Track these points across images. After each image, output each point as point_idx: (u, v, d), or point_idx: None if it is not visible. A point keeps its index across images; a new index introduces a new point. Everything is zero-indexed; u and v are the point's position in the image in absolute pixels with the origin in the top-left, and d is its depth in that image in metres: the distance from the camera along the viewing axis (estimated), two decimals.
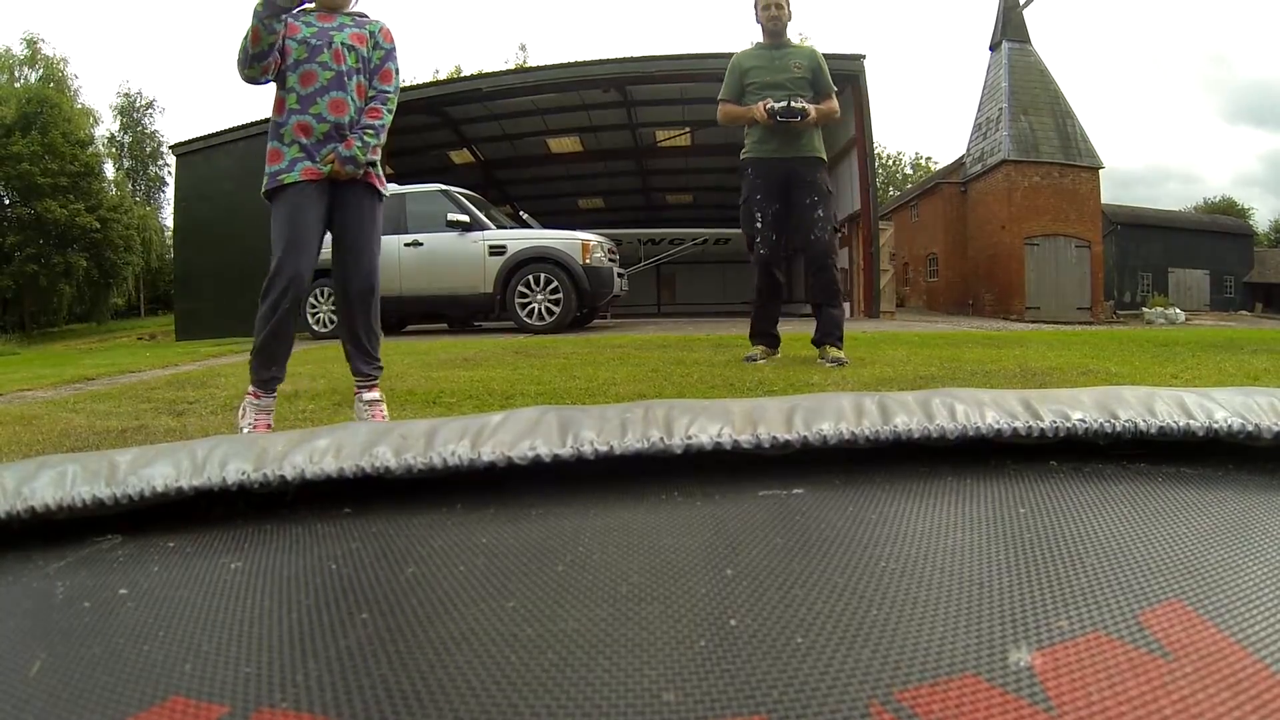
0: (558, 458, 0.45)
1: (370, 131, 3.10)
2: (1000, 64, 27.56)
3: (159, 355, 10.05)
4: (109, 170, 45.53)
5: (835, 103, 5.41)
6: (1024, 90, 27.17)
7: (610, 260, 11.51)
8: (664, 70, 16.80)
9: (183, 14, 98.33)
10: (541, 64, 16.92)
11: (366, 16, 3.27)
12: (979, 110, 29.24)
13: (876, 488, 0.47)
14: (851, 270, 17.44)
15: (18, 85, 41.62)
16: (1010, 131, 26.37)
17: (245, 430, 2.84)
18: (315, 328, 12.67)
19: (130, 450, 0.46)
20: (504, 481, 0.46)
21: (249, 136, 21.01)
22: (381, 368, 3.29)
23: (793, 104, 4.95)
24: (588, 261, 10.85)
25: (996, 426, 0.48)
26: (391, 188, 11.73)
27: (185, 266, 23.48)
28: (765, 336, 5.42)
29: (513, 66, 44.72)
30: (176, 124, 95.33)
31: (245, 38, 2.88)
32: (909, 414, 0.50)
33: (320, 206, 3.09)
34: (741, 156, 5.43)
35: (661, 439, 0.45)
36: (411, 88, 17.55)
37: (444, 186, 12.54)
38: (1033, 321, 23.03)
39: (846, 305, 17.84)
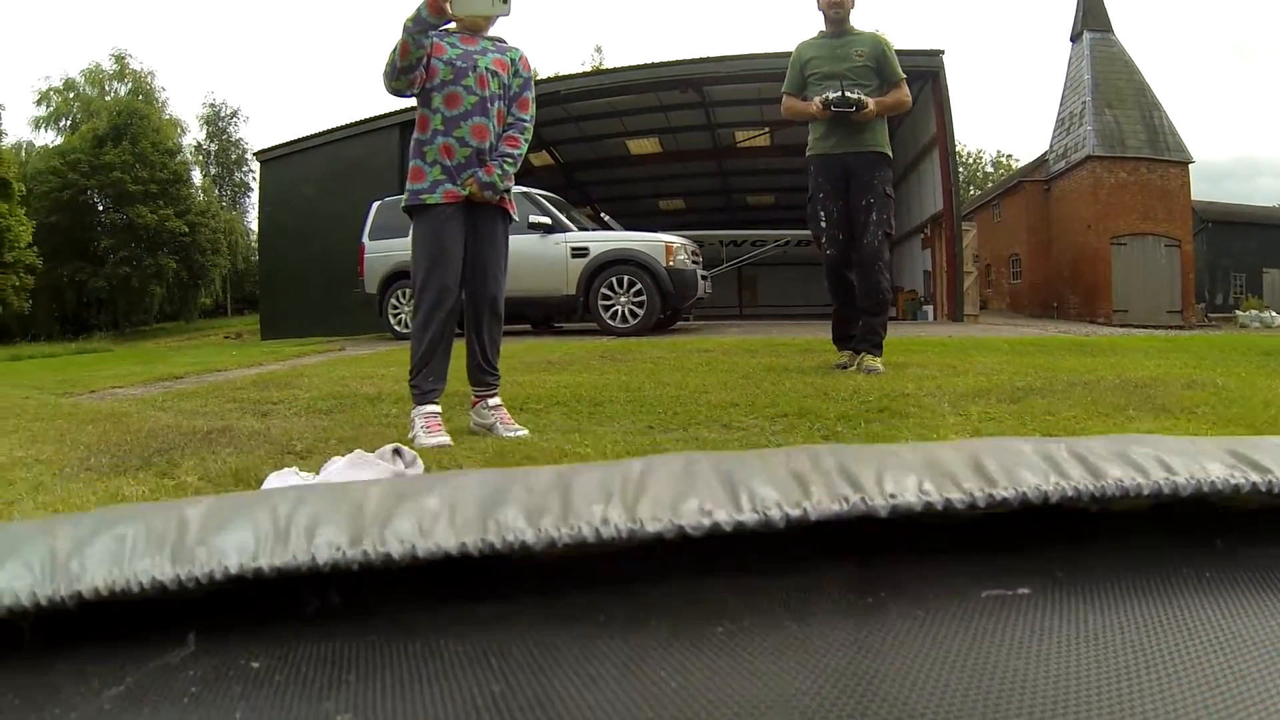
0: (740, 525, 0.32)
1: (509, 160, 3.23)
2: (1082, 55, 26.66)
3: (245, 354, 10.23)
4: (196, 177, 47.30)
5: (904, 91, 5.10)
6: (1108, 82, 26.23)
7: (694, 262, 11.37)
8: (741, 70, 16.61)
9: (263, 26, 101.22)
10: (619, 65, 16.86)
11: (505, 42, 3.41)
12: (1061, 105, 28.21)
13: (1128, 585, 0.33)
14: (934, 272, 17.07)
15: (108, 99, 43.57)
16: (1095, 126, 25.44)
17: (420, 437, 3.01)
18: (396, 328, 12.94)
19: (202, 501, 0.34)
20: (669, 558, 0.34)
21: (330, 143, 21.65)
22: (499, 376, 3.36)
23: (847, 94, 4.68)
24: (671, 263, 10.73)
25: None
26: None
27: (269, 268, 24.20)
28: (846, 340, 5.17)
29: (589, 69, 45.14)
30: (259, 132, 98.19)
31: (394, 51, 3.03)
32: (1117, 465, 0.37)
33: (459, 225, 3.19)
34: (806, 153, 5.21)
35: (863, 499, 0.32)
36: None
37: (525, 189, 12.63)
38: (1121, 325, 22.15)
39: (929, 308, 17.47)
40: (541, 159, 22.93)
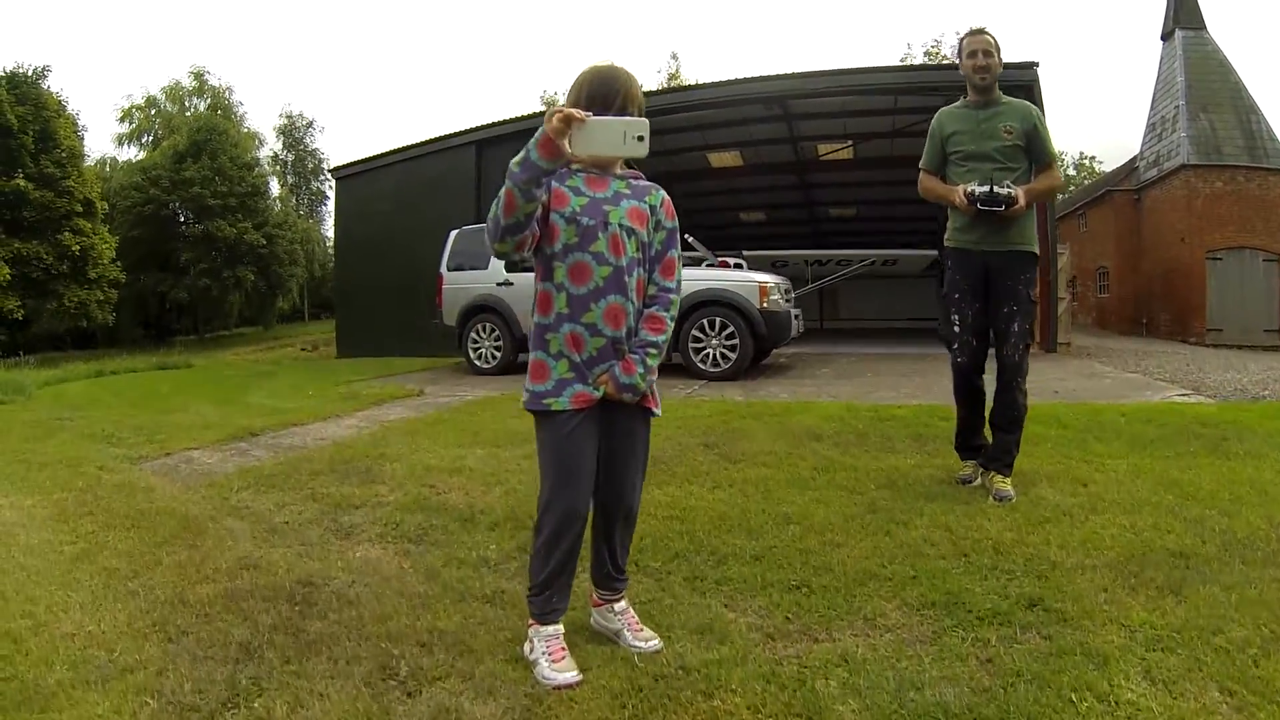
0: None
1: (653, 351, 2.64)
2: (1174, 55, 25.48)
3: (320, 396, 10.08)
4: (274, 188, 48.52)
5: (1056, 175, 4.63)
6: (1202, 84, 24.96)
7: (787, 300, 11.13)
8: (825, 87, 16.29)
9: (336, 37, 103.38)
10: (700, 82, 16.68)
11: (641, 178, 2.74)
12: (1152, 108, 26.90)
13: None
14: None
15: (188, 114, 44.93)
16: (1189, 132, 24.29)
17: (543, 668, 2.54)
18: (478, 363, 13.03)
19: None
20: None
21: (404, 160, 21.83)
22: (628, 579, 2.89)
23: (997, 189, 4.16)
24: (765, 305, 10.49)
25: None
26: None
27: (344, 283, 24.53)
28: (972, 450, 4.71)
29: (666, 77, 45.01)
30: (334, 142, 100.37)
31: (497, 203, 2.40)
32: None
33: (591, 432, 2.64)
34: (944, 242, 4.70)
35: None
36: None
37: None
38: (1214, 345, 21.16)
39: None
40: None
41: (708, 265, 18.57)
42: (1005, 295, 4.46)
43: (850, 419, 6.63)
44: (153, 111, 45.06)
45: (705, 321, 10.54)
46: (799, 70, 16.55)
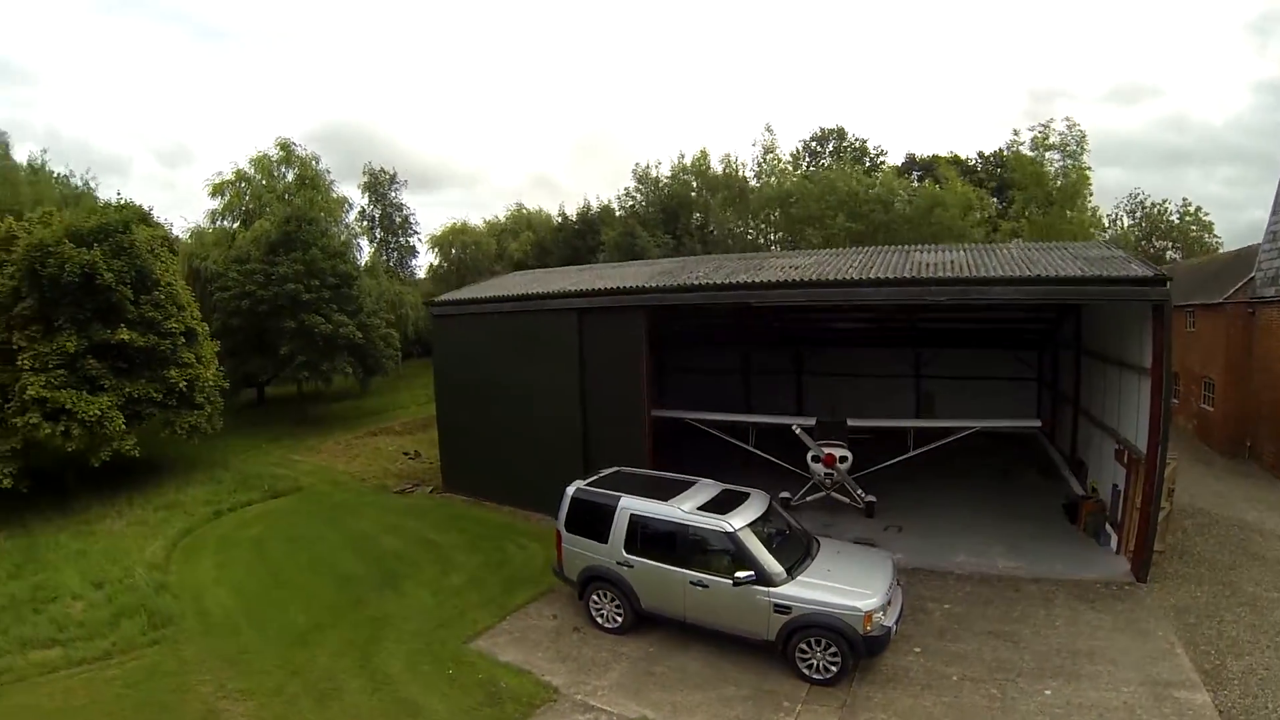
0: None
1: None
2: None
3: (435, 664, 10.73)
4: (364, 249, 50.15)
5: None
6: None
7: (885, 625, 11.95)
8: (949, 294, 16.32)
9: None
10: (820, 279, 16.83)
11: None
12: (1274, 212, 24.70)
13: None
14: (1127, 495, 16.47)
15: (278, 183, 46.46)
16: None
17: None
18: (600, 621, 14.25)
19: None
20: None
21: (502, 313, 22.64)
22: None
23: None
24: (868, 630, 11.62)
25: None
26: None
27: (447, 419, 25.76)
28: None
29: (761, 150, 44.59)
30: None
31: None
32: None
33: None
34: None
35: None
36: (714, 287, 18.34)
37: (758, 509, 13.64)
38: None
39: (1113, 535, 16.88)
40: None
41: (812, 457, 19.02)
42: None
43: None
44: (243, 185, 46.61)
45: (812, 639, 11.85)
46: (927, 276, 16.33)
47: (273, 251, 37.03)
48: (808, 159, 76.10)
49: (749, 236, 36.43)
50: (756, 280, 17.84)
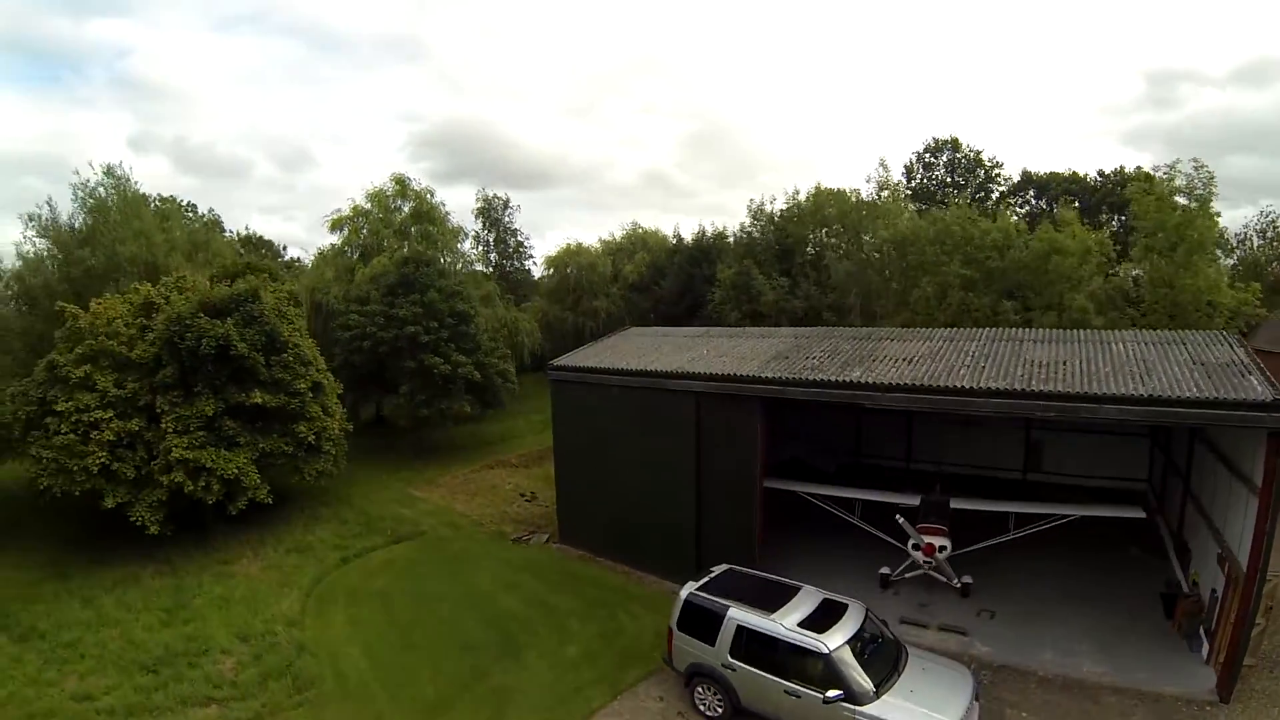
0: None
1: None
2: None
3: None
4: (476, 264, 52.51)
5: None
6: None
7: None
8: (1057, 410, 16.92)
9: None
10: (932, 385, 17.79)
11: None
12: None
13: None
14: (1225, 602, 16.61)
15: (395, 217, 49.20)
16: None
17: None
18: (701, 708, 16.08)
19: None
20: None
21: (621, 386, 24.08)
22: None
23: None
24: None
25: None
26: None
27: (563, 475, 27.72)
28: None
29: (876, 185, 45.03)
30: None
31: None
32: None
33: None
34: None
35: None
36: (827, 384, 19.53)
37: (854, 625, 14.98)
38: None
39: (1205, 645, 17.18)
40: None
41: (912, 545, 20.08)
42: None
43: None
44: (360, 220, 49.45)
45: None
46: (1037, 389, 16.97)
47: (391, 293, 39.44)
48: (921, 172, 75.56)
49: (866, 277, 36.99)
50: (869, 381, 18.71)
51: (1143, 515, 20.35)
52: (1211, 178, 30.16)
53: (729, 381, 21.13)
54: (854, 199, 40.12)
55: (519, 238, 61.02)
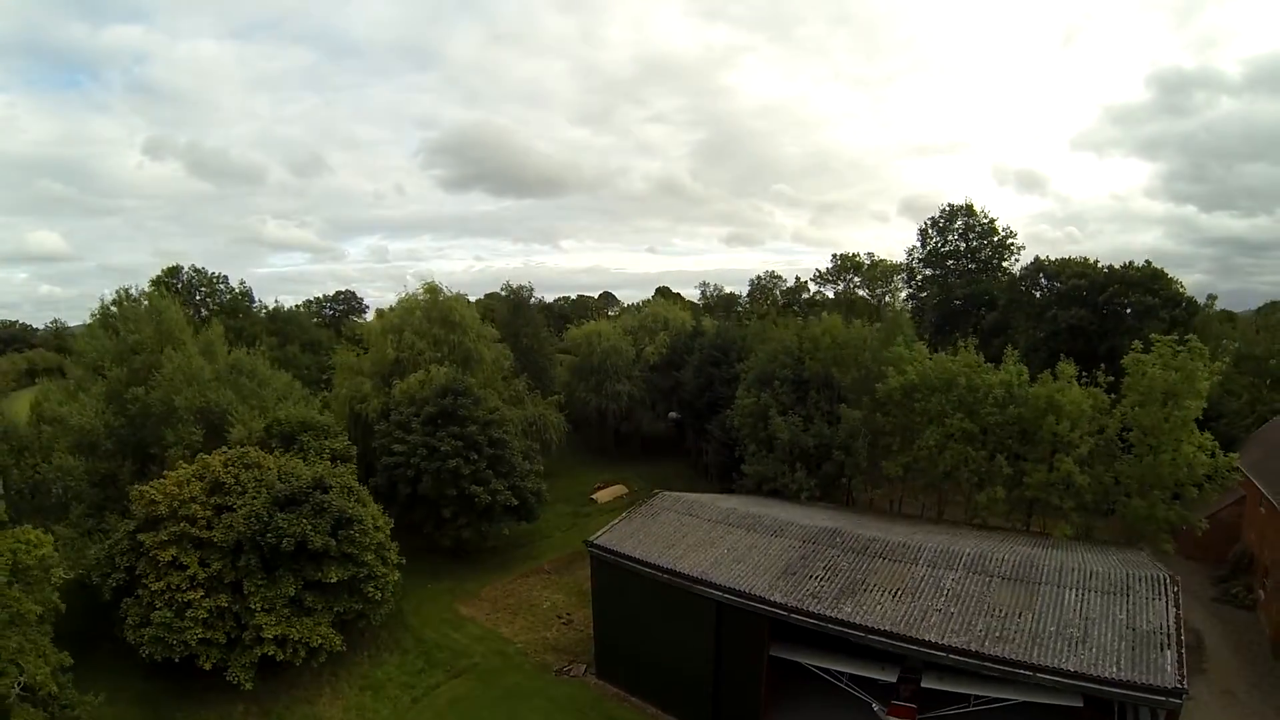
0: None
1: None
2: None
3: None
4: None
5: None
6: None
7: None
8: (999, 673, 22.16)
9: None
10: (901, 634, 23.34)
11: None
12: None
13: None
14: None
15: (429, 328, 54.64)
16: None
17: None
18: None
19: None
20: None
21: (653, 580, 29.35)
22: None
23: None
24: None
25: None
26: None
27: (602, 626, 33.75)
28: None
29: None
30: None
31: None
32: None
33: None
34: None
35: None
36: (824, 619, 25.09)
37: None
38: None
39: None
40: None
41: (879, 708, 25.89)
42: None
43: None
44: (391, 336, 55.11)
45: None
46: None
47: (432, 423, 44.82)
48: (935, 236, 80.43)
49: (875, 420, 41.74)
50: (856, 622, 24.14)
51: (1080, 704, 24.86)
52: (1203, 351, 34.37)
53: (743, 597, 26.45)
54: (868, 337, 44.76)
55: (543, 334, 66.94)
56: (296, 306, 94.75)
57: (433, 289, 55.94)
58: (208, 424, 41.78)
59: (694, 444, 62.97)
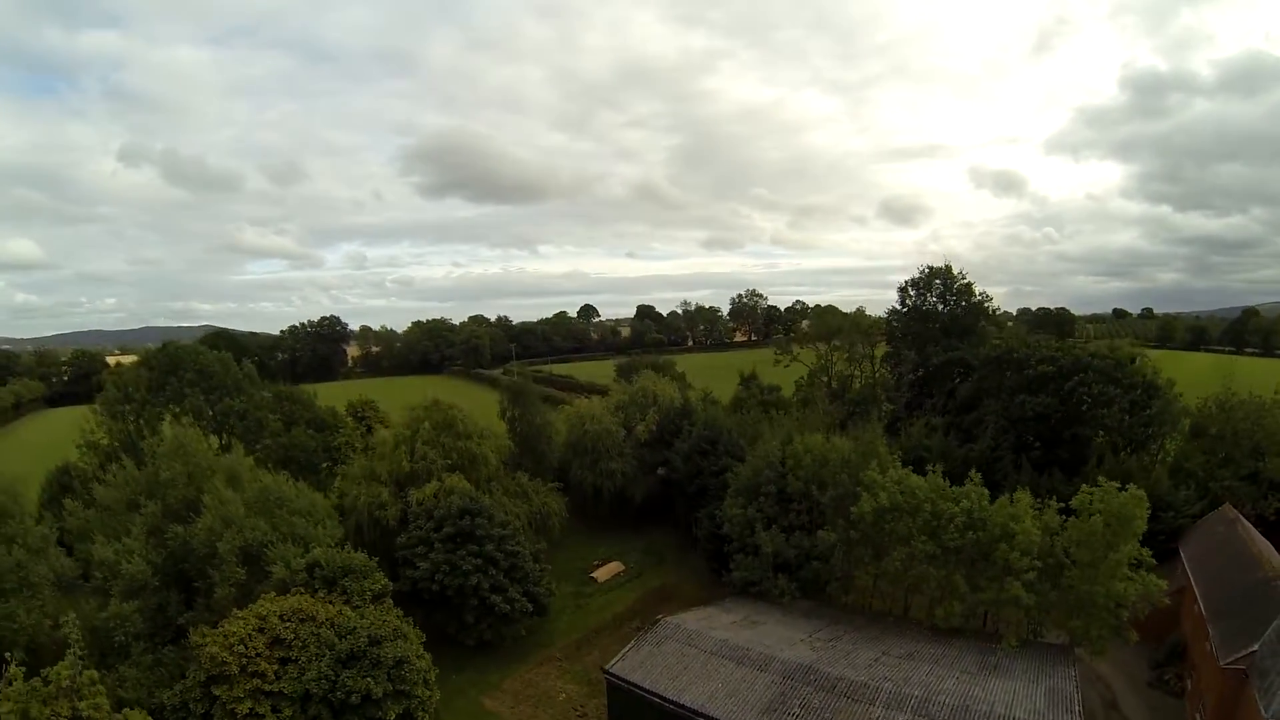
0: None
1: None
2: None
3: None
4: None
5: None
6: None
7: None
8: None
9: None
10: None
11: None
12: None
13: None
14: None
15: (437, 438, 62.15)
16: None
17: None
18: None
19: None
20: None
21: (662, 711, 37.05)
22: None
23: None
24: None
25: None
26: None
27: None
28: None
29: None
30: None
31: None
32: None
33: None
34: None
35: None
36: None
37: None
38: None
39: None
40: None
41: None
42: None
43: None
44: (400, 450, 63.32)
45: None
46: None
47: (453, 541, 52.30)
48: (914, 294, 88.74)
49: (849, 539, 49.83)
50: None
51: None
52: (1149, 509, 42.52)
53: None
54: (847, 455, 52.50)
55: (539, 419, 75.04)
56: (281, 332, 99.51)
57: (437, 402, 64.70)
58: (245, 556, 46.74)
59: (684, 513, 70.43)
